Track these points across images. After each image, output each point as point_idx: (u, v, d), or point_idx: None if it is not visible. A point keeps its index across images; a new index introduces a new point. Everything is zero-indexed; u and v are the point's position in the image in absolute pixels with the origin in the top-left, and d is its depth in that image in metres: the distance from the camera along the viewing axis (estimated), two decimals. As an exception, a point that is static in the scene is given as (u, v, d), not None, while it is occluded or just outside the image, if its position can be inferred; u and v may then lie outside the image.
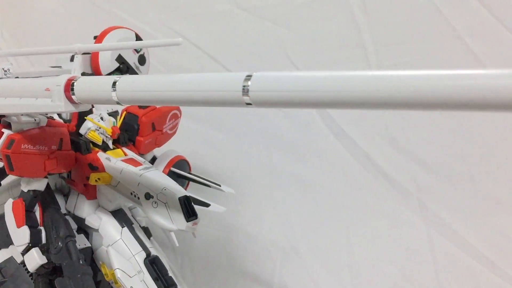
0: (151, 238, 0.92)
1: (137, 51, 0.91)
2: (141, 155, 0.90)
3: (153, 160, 0.93)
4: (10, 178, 0.90)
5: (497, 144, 1.07)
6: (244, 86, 0.44)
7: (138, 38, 0.90)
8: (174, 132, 0.94)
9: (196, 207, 0.83)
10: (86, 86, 0.56)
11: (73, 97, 0.57)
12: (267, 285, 1.27)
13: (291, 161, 1.24)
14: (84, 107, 0.60)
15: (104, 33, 0.86)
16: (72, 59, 0.87)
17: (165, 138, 0.92)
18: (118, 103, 0.54)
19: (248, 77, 0.44)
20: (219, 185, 0.94)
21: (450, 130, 1.10)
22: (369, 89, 0.39)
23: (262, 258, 1.27)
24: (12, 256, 0.81)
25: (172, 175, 0.93)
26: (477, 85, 0.34)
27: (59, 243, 0.73)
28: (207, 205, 0.89)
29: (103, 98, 0.54)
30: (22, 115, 0.69)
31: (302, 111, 1.20)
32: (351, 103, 0.40)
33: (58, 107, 0.58)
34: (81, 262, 0.72)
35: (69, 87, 0.57)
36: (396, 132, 1.15)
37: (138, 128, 0.86)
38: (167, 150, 0.94)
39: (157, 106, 0.88)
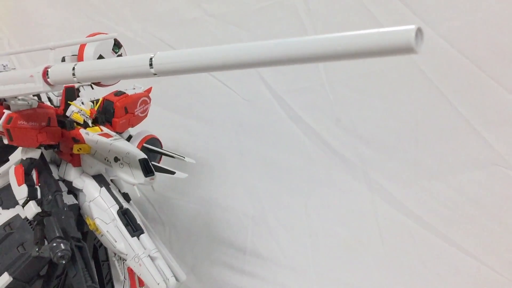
0: (131, 201, 1.14)
1: (115, 52, 1.13)
2: (119, 133, 1.13)
3: (129, 138, 1.14)
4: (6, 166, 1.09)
5: (423, 119, 1.26)
6: (150, 61, 0.66)
7: (116, 42, 1.12)
8: (146, 115, 1.15)
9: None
10: (56, 72, 0.78)
11: (48, 80, 0.79)
12: (241, 249, 1.47)
13: (256, 143, 1.43)
14: (58, 88, 0.82)
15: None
16: (63, 60, 1.10)
17: (137, 119, 1.12)
18: (78, 82, 0.76)
19: (153, 55, 0.66)
20: (183, 157, 1.16)
21: (384, 109, 1.28)
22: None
23: (236, 226, 1.48)
24: (18, 213, 1.02)
25: (145, 149, 1.15)
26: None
27: (50, 196, 0.95)
28: (172, 172, 1.10)
29: (67, 79, 0.76)
30: (17, 98, 0.92)
31: (263, 101, 1.41)
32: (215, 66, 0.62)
33: (39, 88, 0.79)
34: (65, 209, 0.94)
35: (45, 73, 0.79)
36: (340, 113, 1.33)
37: (113, 111, 1.06)
38: (141, 130, 1.15)
39: (129, 94, 1.11)
